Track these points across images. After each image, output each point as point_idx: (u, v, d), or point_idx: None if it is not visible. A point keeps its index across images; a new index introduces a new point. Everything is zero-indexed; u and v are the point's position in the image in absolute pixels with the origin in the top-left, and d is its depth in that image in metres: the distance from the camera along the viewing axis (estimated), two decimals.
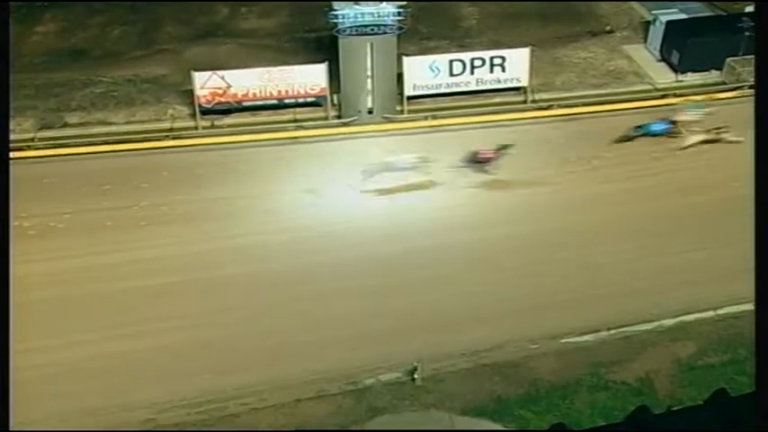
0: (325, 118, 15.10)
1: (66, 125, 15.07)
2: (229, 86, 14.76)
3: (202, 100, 14.79)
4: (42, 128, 14.96)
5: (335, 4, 14.15)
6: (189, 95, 15.01)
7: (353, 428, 10.07)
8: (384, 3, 14.20)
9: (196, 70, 14.72)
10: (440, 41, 17.17)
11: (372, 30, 14.25)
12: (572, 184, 13.75)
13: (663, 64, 16.92)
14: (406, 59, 14.95)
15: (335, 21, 14.13)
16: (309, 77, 14.79)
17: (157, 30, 17.87)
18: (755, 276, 6.18)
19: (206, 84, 14.68)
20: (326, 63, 14.63)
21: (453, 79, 15.36)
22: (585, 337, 11.18)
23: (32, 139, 14.76)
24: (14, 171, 13.84)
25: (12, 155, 14.19)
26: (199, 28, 17.89)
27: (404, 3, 14.28)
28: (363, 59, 14.58)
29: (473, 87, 15.49)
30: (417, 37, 16.85)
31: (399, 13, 14.23)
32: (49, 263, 12.15)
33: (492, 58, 15.35)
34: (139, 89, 15.93)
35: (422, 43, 16.88)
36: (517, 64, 15.40)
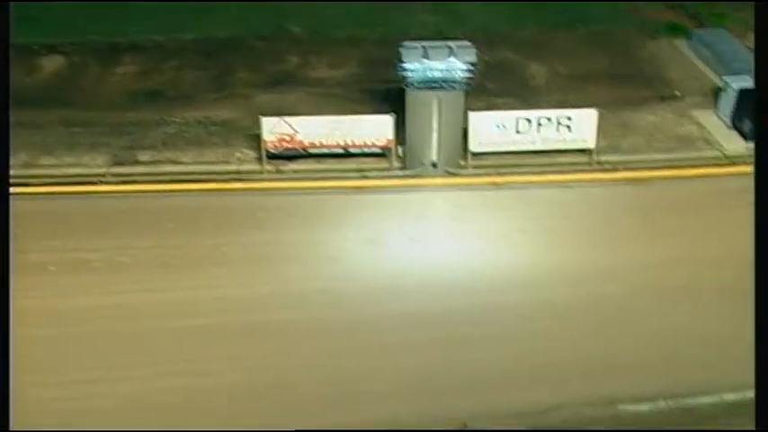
0: (389, 169, 15.42)
1: (137, 162, 15.74)
2: (296, 133, 15.22)
3: (269, 145, 15.28)
4: (114, 164, 15.66)
5: (405, 58, 14.58)
6: (256, 140, 15.56)
7: (356, 429, 10.17)
8: (453, 59, 14.53)
9: (265, 115, 15.26)
10: (507, 98, 17.46)
11: (440, 85, 14.59)
12: (637, 247, 13.67)
13: (733, 132, 16.79)
14: (472, 115, 15.21)
15: (404, 74, 14.52)
16: (376, 128, 15.19)
17: (230, 75, 18.64)
18: (755, 276, 6.26)
19: (274, 129, 15.19)
20: (393, 115, 15.01)
21: (519, 137, 15.52)
22: (643, 406, 11.05)
23: (104, 175, 15.43)
24: (84, 205, 14.66)
25: (82, 189, 14.98)
26: (270, 75, 18.62)
27: (473, 60, 14.60)
28: (430, 113, 14.90)
29: (538, 146, 15.62)
30: (485, 93, 17.17)
31: (468, 70, 14.53)
32: (111, 296, 12.60)
33: (559, 118, 15.47)
34: (209, 131, 16.60)
35: (489, 100, 17.19)
36: (584, 124, 15.51)
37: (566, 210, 14.31)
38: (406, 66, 14.48)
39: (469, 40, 15.12)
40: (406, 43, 14.89)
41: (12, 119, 15.63)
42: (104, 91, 18.12)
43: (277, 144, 15.25)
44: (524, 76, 18.79)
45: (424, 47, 14.64)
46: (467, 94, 14.89)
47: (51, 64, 19.23)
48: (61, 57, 19.46)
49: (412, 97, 14.80)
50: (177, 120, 16.94)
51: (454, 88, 14.69)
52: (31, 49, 19.58)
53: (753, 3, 9.40)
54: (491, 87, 17.64)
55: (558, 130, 15.51)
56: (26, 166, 15.38)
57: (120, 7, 21.66)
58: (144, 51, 19.59)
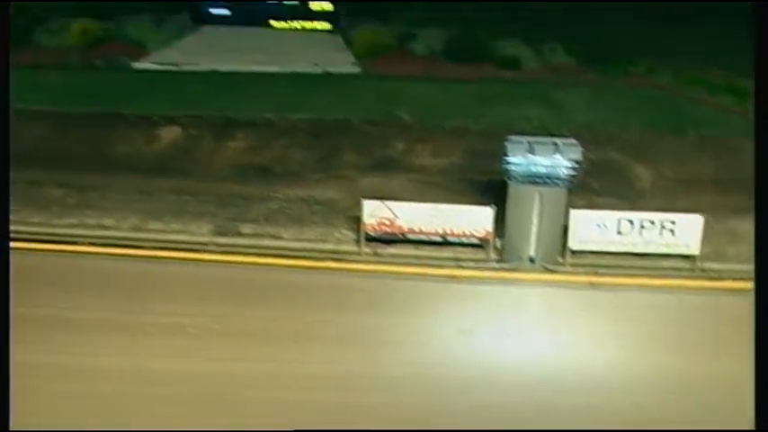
0: (486, 260, 15.77)
1: (239, 234, 16.63)
2: (396, 218, 15.76)
3: (369, 227, 15.87)
4: (218, 234, 16.61)
5: (510, 152, 15.08)
6: (356, 221, 16.21)
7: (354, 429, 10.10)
8: (558, 156, 14.93)
9: (366, 198, 15.93)
10: (609, 198, 17.70)
11: (544, 180, 14.98)
12: (734, 359, 13.32)
13: None
14: (573, 213, 15.46)
15: (508, 167, 14.99)
16: (475, 219, 15.62)
17: (336, 156, 19.68)
18: (755, 276, 6.32)
19: (374, 212, 15.79)
20: (493, 207, 15.46)
21: (620, 238, 15.59)
22: None
23: (207, 244, 16.39)
24: (184, 271, 15.56)
25: (185, 255, 15.93)
26: (375, 159, 19.56)
27: (578, 158, 14.95)
28: (531, 208, 15.22)
29: (639, 248, 15.65)
30: (588, 192, 17.47)
31: (572, 168, 14.89)
32: (203, 362, 13.15)
33: (662, 222, 15.50)
34: (311, 210, 17.46)
35: (591, 198, 17.45)
36: (688, 230, 15.47)
37: (663, 315, 14.20)
38: (511, 159, 14.93)
39: (575, 138, 15.50)
40: (512, 137, 15.35)
41: (127, 185, 17.07)
42: (215, 163, 19.35)
43: (376, 227, 15.82)
44: (629, 176, 19.02)
45: (529, 142, 15.06)
46: (569, 191, 15.19)
47: (169, 134, 20.77)
48: (179, 128, 21.00)
49: (514, 191, 15.19)
50: (281, 196, 17.91)
51: (557, 185, 15.02)
52: (152, 119, 21.25)
53: None
54: (594, 186, 17.93)
55: (660, 233, 15.52)
56: (135, 229, 16.59)
57: (237, 84, 23.40)
58: (256, 128, 20.95)
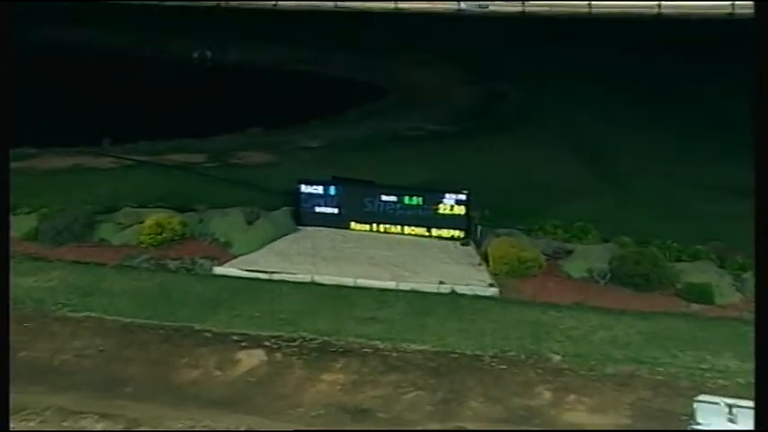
0: None
1: None
2: None
3: None
4: None
5: (700, 417, 14.88)
6: None
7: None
8: None
9: None
10: None
11: None
12: None
13: None
14: None
15: None
16: None
17: (458, 402, 19.64)
18: (755, 276, 7.43)
19: None
20: None
21: None
22: None
23: None
24: None
25: None
26: (510, 410, 19.32)
27: None
28: None
29: None
30: None
31: None
32: None
33: None
34: None
35: None
36: None
37: None
38: (701, 427, 14.61)
39: None
40: (702, 397, 14.94)
41: (190, 421, 17.26)
42: (304, 400, 19.49)
43: None
44: None
45: (728, 405, 14.71)
46: None
47: (250, 360, 21.27)
48: (262, 352, 21.46)
49: None
50: None
51: None
52: (231, 339, 21.85)
53: None
54: None
55: None
56: None
57: (340, 301, 24.02)
58: (359, 358, 21.28)
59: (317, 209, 30.28)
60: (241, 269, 26.86)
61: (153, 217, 28.81)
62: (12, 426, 16.52)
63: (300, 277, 26.23)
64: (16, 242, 27.12)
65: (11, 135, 14.54)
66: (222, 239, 28.65)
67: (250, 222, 29.45)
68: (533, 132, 45.58)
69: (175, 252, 27.94)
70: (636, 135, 44.06)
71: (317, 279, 26.15)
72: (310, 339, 22.15)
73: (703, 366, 20.82)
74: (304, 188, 30.32)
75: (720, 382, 20.02)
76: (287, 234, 29.90)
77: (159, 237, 28.21)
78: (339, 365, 20.96)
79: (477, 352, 21.65)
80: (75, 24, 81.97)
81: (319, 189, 30.18)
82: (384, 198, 29.68)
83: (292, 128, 48.19)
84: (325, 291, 25.40)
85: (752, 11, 22.33)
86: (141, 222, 28.92)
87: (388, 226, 29.68)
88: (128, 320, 23.25)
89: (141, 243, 28.16)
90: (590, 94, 53.30)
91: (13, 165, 18.10)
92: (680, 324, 23.15)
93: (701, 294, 24.45)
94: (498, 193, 32.48)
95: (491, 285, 25.73)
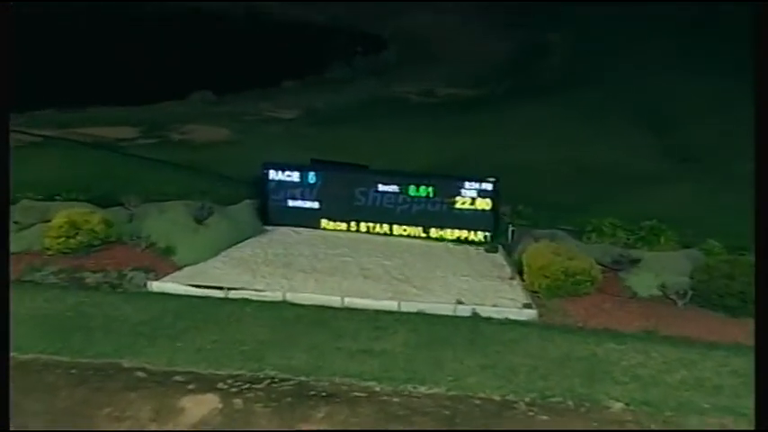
0: None
1: None
2: None
3: None
4: None
5: None
6: None
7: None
8: None
9: None
10: None
11: None
12: None
13: None
14: None
15: None
16: None
17: None
18: (755, 277, 12.26)
19: None
20: None
21: None
22: None
23: None
24: None
25: None
26: None
27: None
28: None
29: None
30: None
31: None
32: None
33: None
34: None
35: None
36: None
37: None
38: None
39: None
40: None
41: None
42: None
43: None
44: None
45: None
46: None
47: (199, 407, 21.31)
48: (216, 398, 21.56)
49: None
50: None
51: None
52: (173, 379, 22.00)
53: None
54: None
55: None
56: None
57: (321, 326, 24.09)
58: (347, 404, 21.29)
59: (291, 202, 30.31)
60: (187, 285, 26.81)
61: (63, 213, 28.43)
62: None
63: (269, 295, 26.23)
64: None
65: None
66: (161, 244, 28.58)
67: (200, 221, 29.35)
68: (583, 97, 45.39)
69: (96, 262, 27.86)
70: (723, 100, 43.87)
71: (292, 298, 26.15)
72: (282, 380, 22.06)
73: None
74: (273, 174, 30.30)
75: None
76: (250, 237, 29.89)
77: (73, 241, 27.92)
78: (320, 415, 20.88)
79: (509, 397, 21.63)
80: None
81: (294, 176, 30.16)
82: (382, 188, 29.66)
83: (256, 92, 48.09)
84: (303, 314, 25.38)
85: None
86: (47, 221, 28.65)
87: (387, 226, 29.68)
88: (28, 357, 23.02)
89: (48, 249, 27.89)
90: (659, 42, 53.13)
91: None
92: None
93: None
94: (536, 181, 32.36)
95: (527, 306, 25.76)
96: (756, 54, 8.71)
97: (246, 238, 29.55)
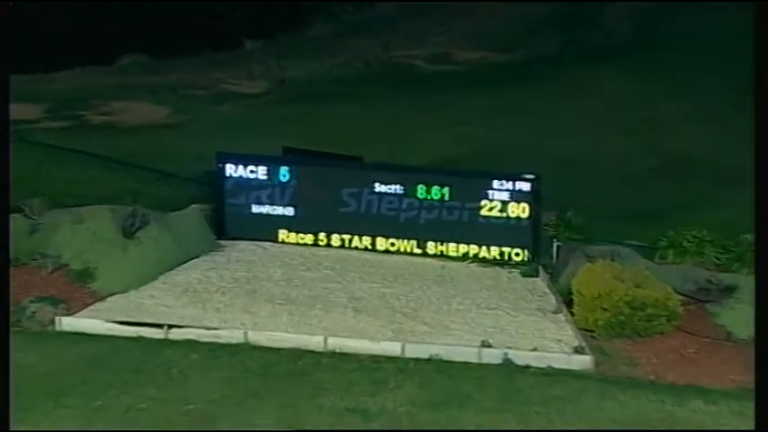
0: None
1: None
2: None
3: None
4: None
5: None
6: None
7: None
8: None
9: None
10: None
11: None
12: None
13: None
14: None
15: None
16: None
17: None
18: (755, 277, 13.72)
19: None
20: None
21: None
22: None
23: None
24: None
25: None
26: None
27: None
28: None
29: None
30: None
31: None
32: None
33: None
34: None
35: None
36: None
37: None
38: None
39: None
40: None
41: None
42: None
43: None
44: None
45: None
46: None
47: None
48: None
49: None
50: None
51: None
52: None
53: None
54: None
55: None
56: None
57: (299, 381, 23.89)
58: None
59: (256, 208, 30.31)
60: (112, 321, 26.61)
61: None
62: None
63: (225, 336, 26.14)
64: None
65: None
66: (76, 266, 28.54)
67: (130, 233, 29.27)
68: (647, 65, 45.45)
69: None
70: None
71: (256, 339, 26.07)
72: None
73: None
74: (231, 170, 30.28)
75: None
76: (200, 255, 29.79)
77: None
78: None
79: None
80: None
81: (260, 171, 30.08)
82: (379, 188, 29.63)
83: (207, 56, 48.09)
84: (271, 360, 25.21)
85: None
86: None
87: (386, 240, 29.54)
88: None
89: None
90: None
91: None
92: None
93: None
94: (590, 179, 32.28)
95: (579, 351, 25.63)
96: (756, 54, 8.92)
97: (194, 257, 29.35)
